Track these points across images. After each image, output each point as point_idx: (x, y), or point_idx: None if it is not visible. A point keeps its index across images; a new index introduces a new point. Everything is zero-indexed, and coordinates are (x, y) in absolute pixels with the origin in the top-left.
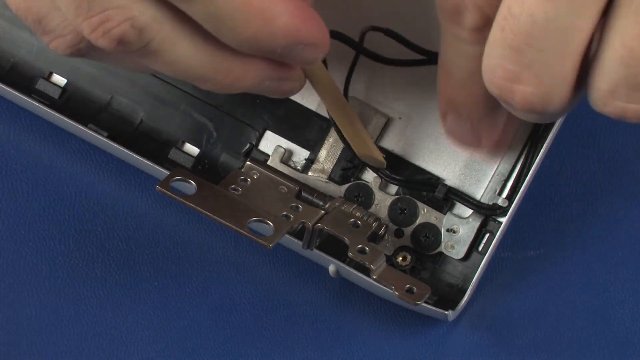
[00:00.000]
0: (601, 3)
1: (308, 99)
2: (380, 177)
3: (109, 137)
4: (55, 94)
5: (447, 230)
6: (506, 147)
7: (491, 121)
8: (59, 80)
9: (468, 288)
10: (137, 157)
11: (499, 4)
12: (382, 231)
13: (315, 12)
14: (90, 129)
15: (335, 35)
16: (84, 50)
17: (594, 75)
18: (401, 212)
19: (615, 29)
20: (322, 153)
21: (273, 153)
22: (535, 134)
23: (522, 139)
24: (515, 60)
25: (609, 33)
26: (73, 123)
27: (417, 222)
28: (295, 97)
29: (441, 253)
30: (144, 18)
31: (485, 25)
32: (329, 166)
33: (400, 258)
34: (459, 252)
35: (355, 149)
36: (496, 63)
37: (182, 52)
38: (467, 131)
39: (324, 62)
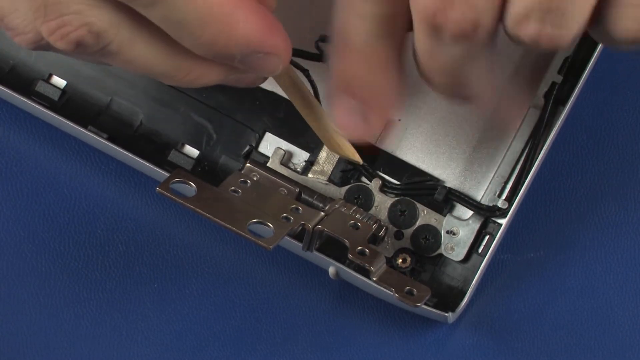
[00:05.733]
0: None
1: None
2: (381, 191)
3: (109, 139)
4: (55, 95)
5: (447, 232)
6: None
7: (386, 97)
8: (59, 82)
9: (468, 290)
10: (137, 159)
11: None
12: (382, 233)
13: (277, 21)
14: (90, 130)
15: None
16: (46, 46)
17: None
18: (401, 214)
19: None
20: (322, 155)
21: (273, 155)
22: (535, 135)
23: (522, 140)
24: None
25: None
26: (73, 125)
27: (417, 224)
28: None
29: (441, 255)
30: (101, 23)
31: None
32: (328, 168)
33: (400, 260)
34: (458, 254)
35: (328, 147)
36: None
37: (141, 53)
38: (359, 115)
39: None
